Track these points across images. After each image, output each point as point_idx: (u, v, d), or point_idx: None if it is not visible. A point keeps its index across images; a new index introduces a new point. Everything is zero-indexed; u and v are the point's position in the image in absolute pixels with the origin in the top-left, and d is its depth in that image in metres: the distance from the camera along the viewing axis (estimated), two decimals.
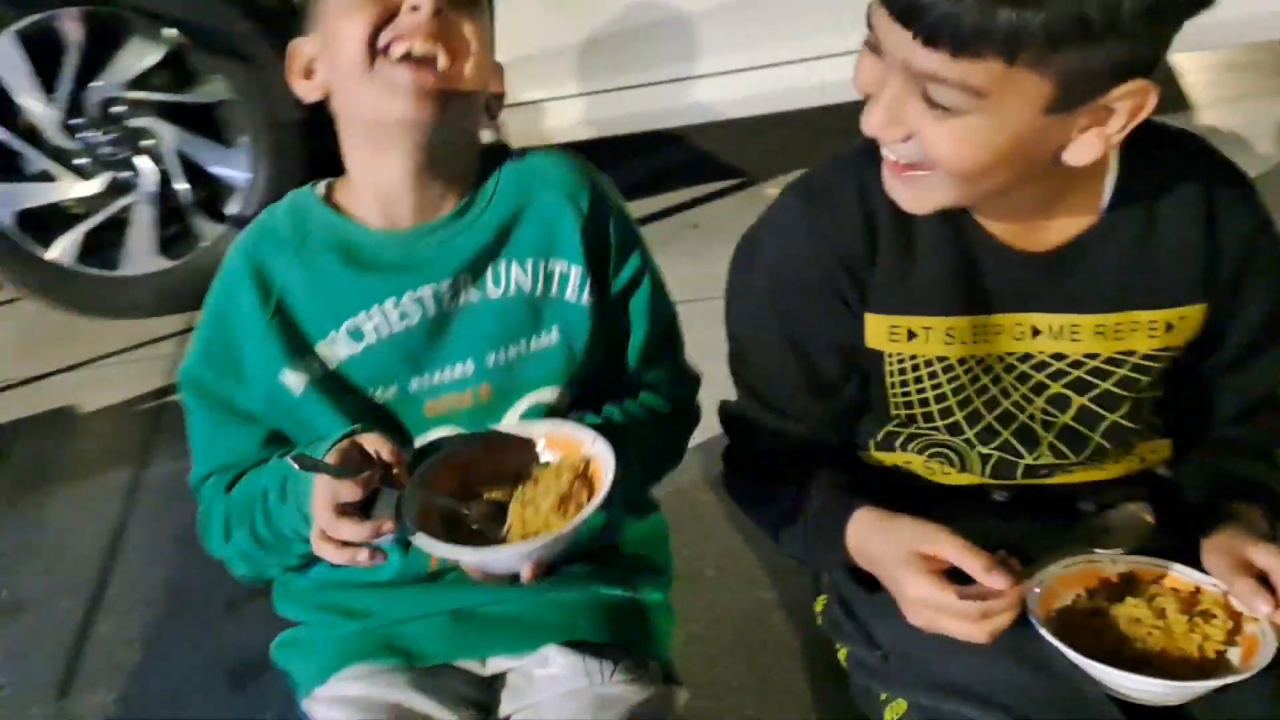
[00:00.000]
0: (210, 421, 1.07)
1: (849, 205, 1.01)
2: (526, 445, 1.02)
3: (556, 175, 1.07)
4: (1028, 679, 0.95)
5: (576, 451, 0.99)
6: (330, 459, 0.91)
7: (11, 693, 1.46)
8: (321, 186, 1.07)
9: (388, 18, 0.96)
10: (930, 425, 1.08)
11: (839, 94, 2.45)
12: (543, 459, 1.01)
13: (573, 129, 2.58)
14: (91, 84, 2.38)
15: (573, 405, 1.09)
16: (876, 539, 1.00)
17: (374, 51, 0.96)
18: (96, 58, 2.37)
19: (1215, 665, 0.93)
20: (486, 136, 1.09)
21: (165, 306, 2.53)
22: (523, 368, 1.06)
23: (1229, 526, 0.99)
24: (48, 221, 2.50)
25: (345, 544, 0.91)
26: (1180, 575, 1.00)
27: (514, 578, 0.96)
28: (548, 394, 1.07)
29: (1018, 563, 0.94)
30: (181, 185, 2.49)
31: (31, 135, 2.42)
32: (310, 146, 2.47)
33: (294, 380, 1.02)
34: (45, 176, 2.47)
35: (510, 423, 1.05)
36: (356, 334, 1.03)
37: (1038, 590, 0.98)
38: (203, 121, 2.49)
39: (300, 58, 1.03)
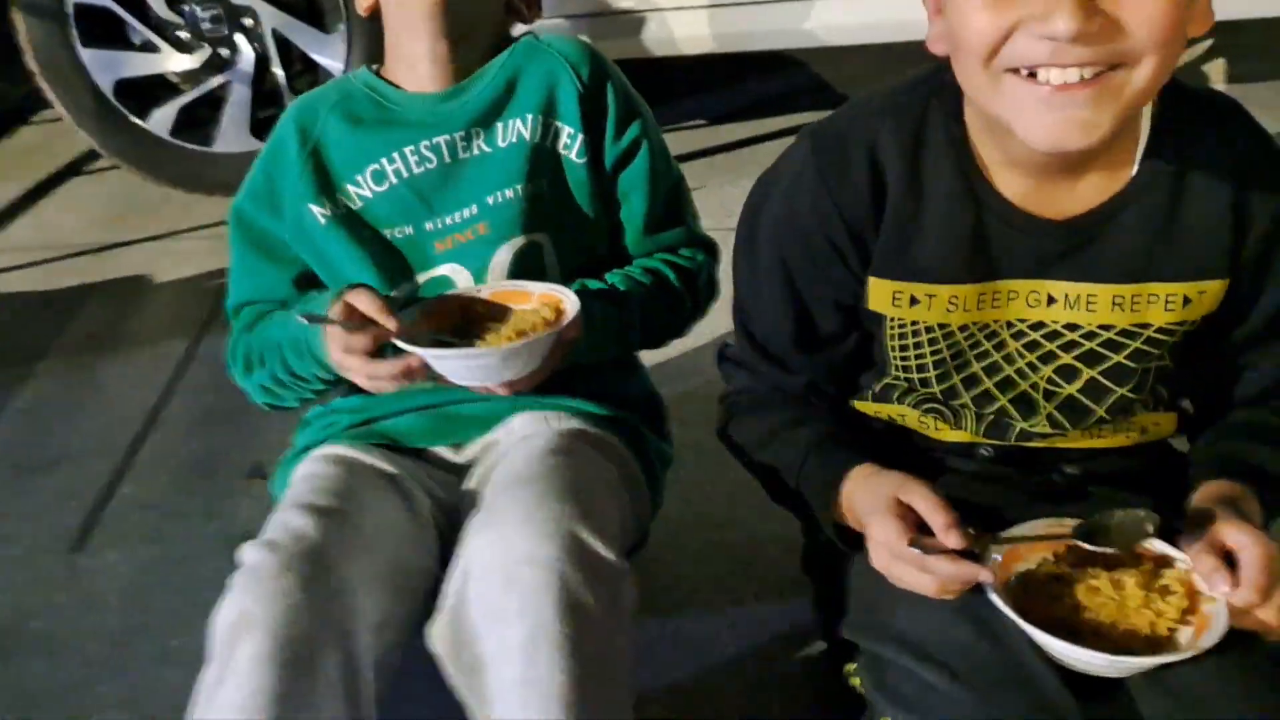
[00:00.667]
0: (248, 255, 1.23)
1: (859, 163, 0.99)
2: (517, 299, 1.12)
3: (560, 47, 1.20)
4: (972, 639, 0.94)
5: (552, 302, 1.10)
6: (332, 315, 1.03)
7: (26, 546, 1.50)
8: (373, 67, 1.24)
9: None
10: (926, 386, 1.06)
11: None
12: (530, 306, 1.12)
13: (694, 41, 2.52)
14: None
15: (570, 262, 1.20)
16: (863, 488, 0.99)
17: None
18: None
19: (1164, 642, 0.92)
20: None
21: None
22: (514, 208, 1.17)
23: (1214, 505, 0.95)
24: (146, 92, 2.56)
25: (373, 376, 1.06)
26: (1150, 546, 0.97)
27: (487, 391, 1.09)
28: (538, 237, 1.19)
29: (973, 536, 0.94)
30: (277, 68, 2.51)
31: (136, 6, 2.47)
32: None
33: (319, 212, 1.17)
34: (147, 47, 2.52)
35: (508, 282, 1.16)
36: (380, 176, 1.18)
37: (998, 557, 0.96)
38: (303, 5, 2.51)
39: None
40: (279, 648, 0.92)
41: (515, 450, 1.11)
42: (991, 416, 1.06)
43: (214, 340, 2.01)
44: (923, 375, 1.05)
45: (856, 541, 1.01)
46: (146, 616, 1.36)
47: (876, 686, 1.00)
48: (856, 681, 1.07)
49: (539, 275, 1.18)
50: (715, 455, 1.19)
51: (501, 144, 1.19)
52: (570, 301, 1.09)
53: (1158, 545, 0.96)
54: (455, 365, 1.05)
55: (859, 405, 1.11)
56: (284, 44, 2.51)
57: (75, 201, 2.76)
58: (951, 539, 0.91)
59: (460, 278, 1.19)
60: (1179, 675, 0.90)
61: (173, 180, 2.61)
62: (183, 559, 1.46)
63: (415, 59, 1.18)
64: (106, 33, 2.48)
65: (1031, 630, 0.90)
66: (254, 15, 2.48)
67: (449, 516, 1.14)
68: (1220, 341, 1.05)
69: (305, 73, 2.57)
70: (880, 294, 1.02)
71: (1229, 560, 0.91)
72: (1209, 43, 3.21)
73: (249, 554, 0.99)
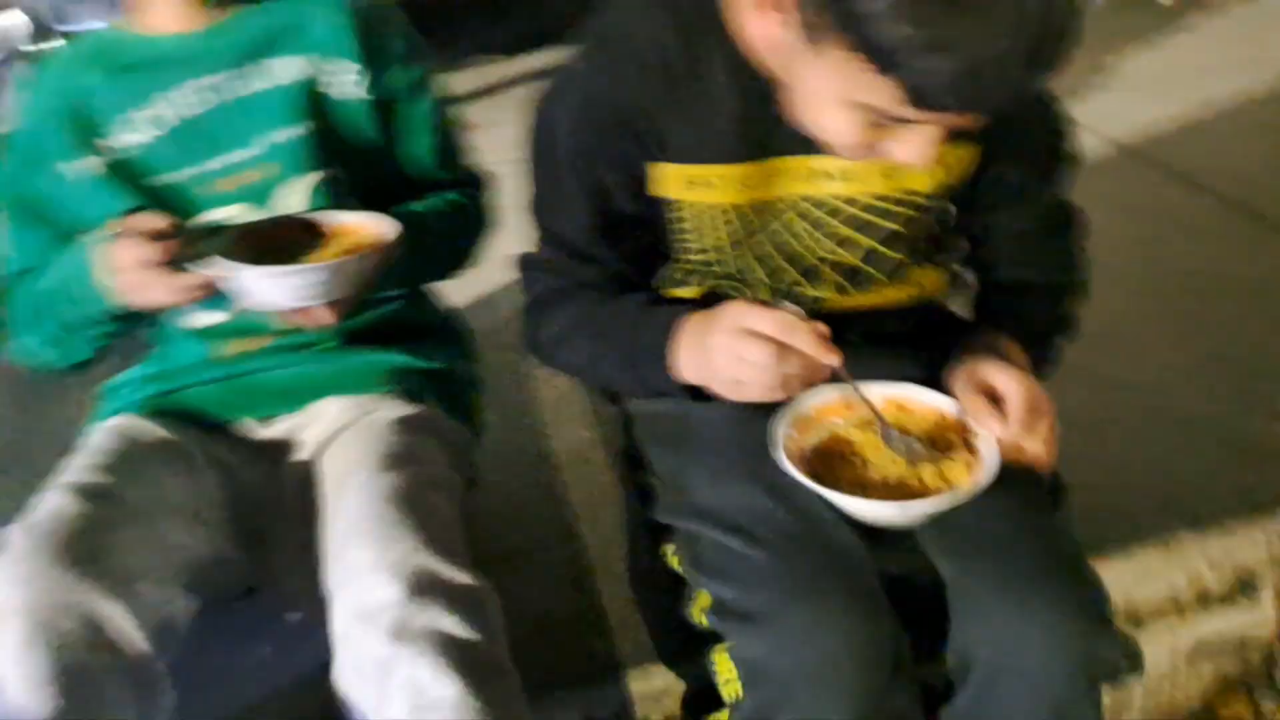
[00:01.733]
0: (18, 223, 1.18)
1: (643, 47, 1.03)
2: (327, 226, 1.13)
3: None
4: (770, 506, 1.01)
5: (368, 226, 1.11)
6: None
7: None
8: (114, 23, 1.21)
9: None
10: (722, 265, 1.11)
11: None
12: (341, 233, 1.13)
13: None
14: None
15: (360, 198, 1.19)
16: (704, 329, 1.00)
17: None
18: None
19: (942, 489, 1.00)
20: None
21: None
22: (305, 146, 1.17)
23: (980, 352, 1.04)
24: None
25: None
26: (923, 399, 1.05)
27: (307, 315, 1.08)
28: (331, 172, 1.18)
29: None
30: None
31: None
32: None
33: (86, 166, 1.14)
34: None
35: (320, 212, 1.15)
36: (156, 121, 1.15)
37: (792, 432, 1.02)
38: None
39: None
40: (40, 630, 0.91)
41: (337, 457, 1.11)
42: (783, 289, 1.12)
43: None
44: (718, 255, 1.10)
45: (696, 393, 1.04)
46: None
47: (692, 563, 1.06)
48: (675, 561, 1.11)
49: (338, 204, 1.19)
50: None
51: (282, 80, 1.18)
52: (391, 224, 1.10)
53: (939, 399, 1.04)
54: (279, 283, 1.03)
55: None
56: None
57: None
58: (829, 356, 0.94)
59: (250, 215, 1.18)
60: (959, 513, 0.97)
61: None
62: None
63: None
64: None
65: (824, 491, 0.96)
66: None
67: (249, 495, 1.15)
68: (978, 199, 1.12)
69: None
70: (674, 178, 1.06)
71: (996, 402, 0.99)
72: None
73: (6, 537, 0.98)
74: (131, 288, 1.05)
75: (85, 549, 0.97)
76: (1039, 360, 1.11)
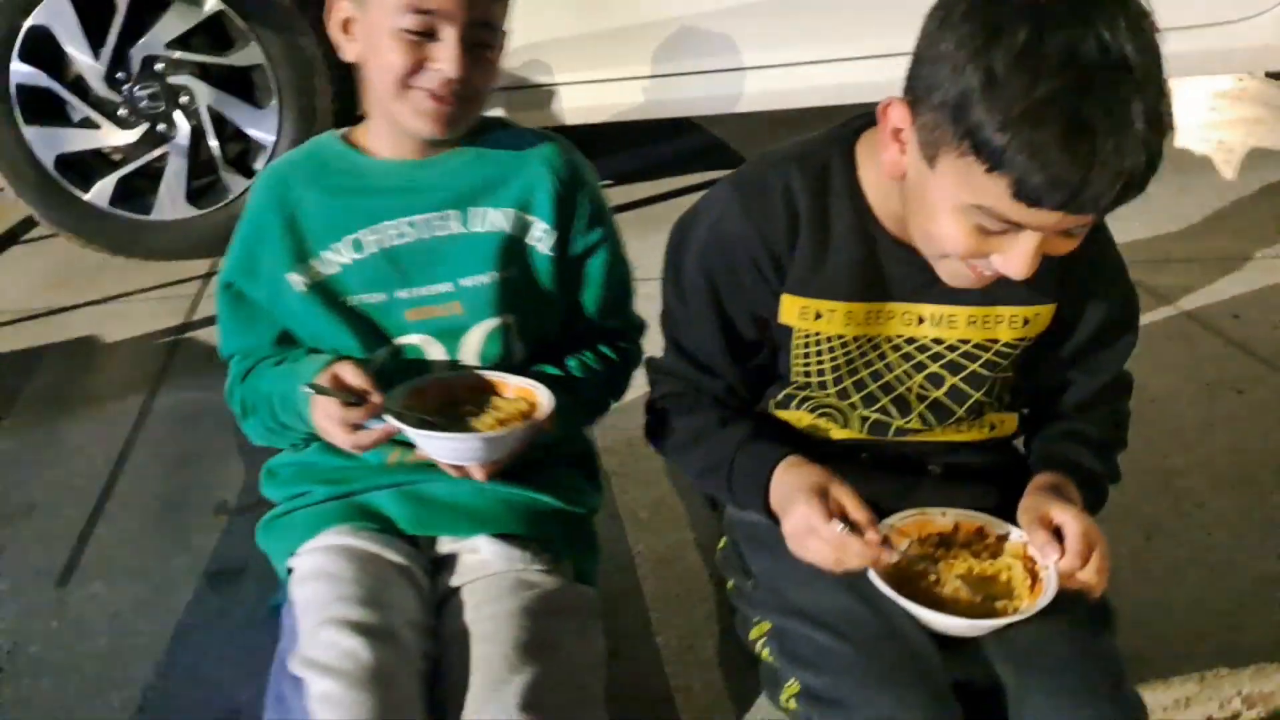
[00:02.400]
0: (232, 317, 1.33)
1: (776, 201, 1.19)
2: (494, 386, 1.27)
3: (544, 150, 1.29)
4: (857, 609, 1.14)
5: (528, 395, 1.24)
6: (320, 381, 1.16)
7: (13, 581, 1.63)
8: (340, 132, 1.30)
9: (422, 60, 1.16)
10: (824, 390, 1.26)
11: (850, 95, 2.67)
12: (506, 396, 1.26)
13: (586, 112, 2.76)
14: (137, 42, 2.56)
15: (530, 340, 1.31)
16: (792, 474, 1.19)
17: (406, 81, 1.17)
18: (142, 18, 2.56)
19: (1009, 607, 1.13)
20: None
21: (191, 252, 2.74)
22: (488, 293, 1.27)
23: (1045, 492, 1.18)
24: (86, 166, 2.71)
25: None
26: (995, 526, 1.19)
27: (462, 471, 1.21)
28: (508, 319, 1.29)
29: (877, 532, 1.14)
30: (212, 141, 2.67)
31: (78, 86, 2.62)
32: (334, 111, 2.66)
33: (296, 280, 1.25)
34: (87, 124, 2.66)
35: (488, 372, 1.28)
36: (357, 245, 1.25)
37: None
38: (236, 83, 2.68)
39: (339, 11, 1.22)
40: None
41: (480, 587, 1.23)
42: (874, 417, 1.27)
43: (169, 394, 2.16)
44: (821, 379, 1.26)
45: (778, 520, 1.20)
46: (136, 639, 1.50)
47: (783, 654, 1.20)
48: (765, 653, 1.25)
49: (506, 354, 1.29)
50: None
51: (479, 229, 1.26)
52: (545, 397, 1.22)
53: (998, 524, 1.19)
54: (443, 445, 1.17)
55: (760, 412, 1.32)
56: (218, 118, 2.67)
57: (16, 270, 2.88)
58: (870, 533, 1.12)
59: (432, 349, 1.29)
60: (1020, 630, 1.11)
61: (113, 248, 2.76)
62: (160, 587, 1.60)
63: (402, 128, 1.22)
64: (48, 110, 2.62)
65: (904, 602, 1.11)
66: (190, 93, 2.64)
67: (436, 595, 1.26)
68: (1051, 355, 1.27)
69: (237, 140, 2.74)
70: (791, 308, 1.22)
71: (1057, 535, 1.13)
72: None
73: (316, 683, 1.07)
74: (324, 434, 1.20)
75: (386, 689, 1.08)
76: (1090, 500, 1.24)
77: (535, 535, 1.28)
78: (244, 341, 1.34)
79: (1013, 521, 1.19)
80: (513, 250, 1.27)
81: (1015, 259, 1.03)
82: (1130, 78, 0.93)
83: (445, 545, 1.29)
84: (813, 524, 1.13)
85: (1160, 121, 0.95)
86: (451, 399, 1.24)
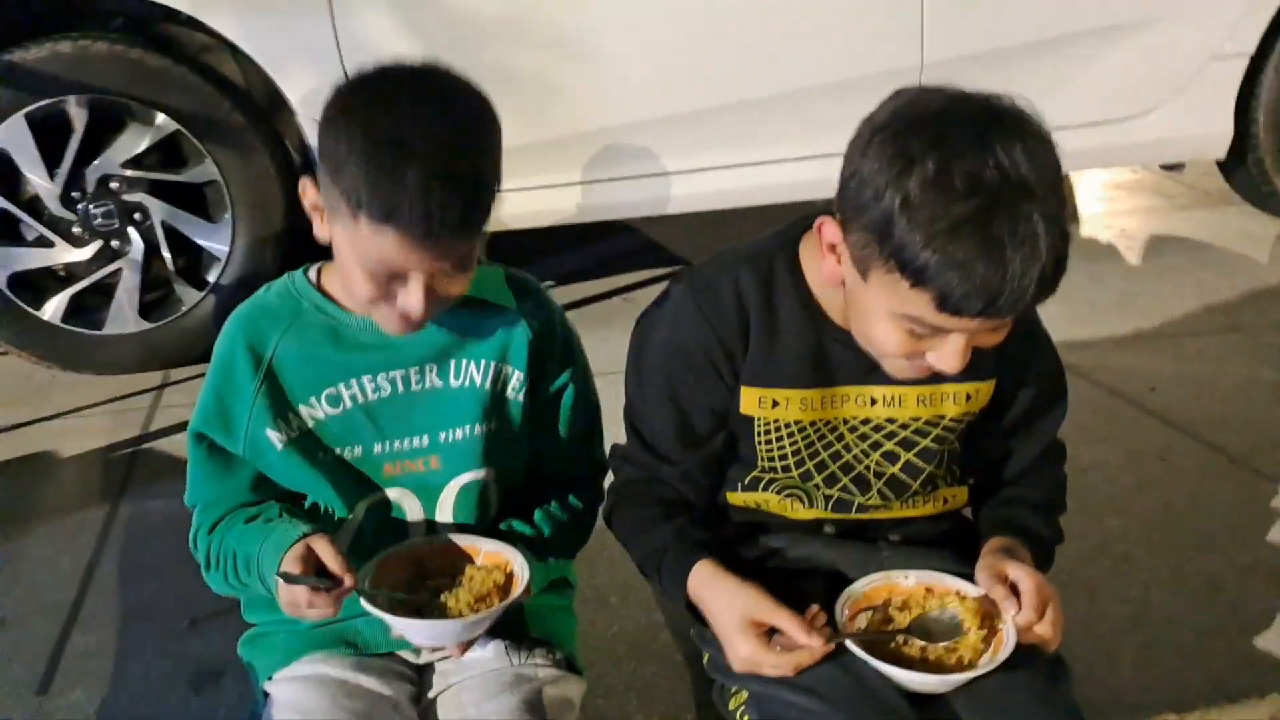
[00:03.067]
0: (202, 467, 1.27)
1: (728, 299, 1.27)
2: (465, 553, 1.26)
3: (520, 297, 1.30)
4: (831, 671, 1.20)
5: (502, 564, 1.23)
6: (289, 563, 1.14)
7: None
8: (313, 272, 1.27)
9: (391, 292, 1.14)
10: (787, 473, 1.34)
11: (781, 195, 2.84)
12: (478, 563, 1.25)
13: (526, 217, 2.88)
14: (92, 163, 2.62)
15: (504, 491, 1.33)
16: (711, 594, 1.24)
17: (375, 301, 1.16)
18: (97, 139, 2.62)
19: (971, 664, 1.20)
20: None
21: (143, 365, 2.76)
22: (467, 447, 1.28)
23: (998, 553, 1.27)
24: (38, 283, 2.73)
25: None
26: (951, 585, 1.27)
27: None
28: (488, 472, 1.30)
29: (824, 616, 1.21)
30: (166, 254, 2.72)
31: (32, 205, 2.66)
32: (286, 228, 2.73)
33: (275, 437, 1.23)
34: (41, 242, 2.69)
35: (460, 536, 1.28)
36: (335, 400, 1.24)
37: (848, 611, 1.24)
38: (190, 198, 2.73)
39: (309, 197, 1.18)
40: None
41: (477, 683, 1.26)
42: (836, 495, 1.35)
43: (132, 504, 2.17)
44: (784, 463, 1.33)
45: (703, 619, 1.27)
46: None
47: (763, 717, 1.25)
48: (745, 717, 1.29)
49: (483, 509, 1.31)
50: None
51: (455, 383, 1.26)
52: (520, 566, 1.21)
53: (964, 586, 1.26)
54: (419, 630, 1.18)
55: (730, 496, 1.39)
56: (172, 232, 2.72)
57: None
58: (814, 641, 1.16)
59: (409, 504, 1.28)
60: (984, 683, 1.18)
61: (66, 363, 2.77)
62: (142, 692, 1.62)
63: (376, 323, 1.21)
64: (2, 230, 2.65)
65: (877, 663, 1.17)
66: (144, 209, 2.69)
67: (417, 705, 1.29)
68: (993, 427, 1.37)
69: (190, 253, 2.78)
70: (750, 399, 1.29)
71: (1013, 592, 1.21)
72: None
73: None
74: (288, 612, 1.17)
75: None
76: (1039, 561, 1.31)
77: (522, 633, 1.32)
78: (215, 491, 1.28)
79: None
80: (491, 402, 1.28)
81: (947, 357, 1.13)
82: (1030, 195, 1.02)
83: (435, 655, 1.31)
84: (759, 660, 1.20)
85: (1063, 229, 1.05)
86: (421, 571, 1.24)
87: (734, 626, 1.21)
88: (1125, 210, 3.92)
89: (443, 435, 1.26)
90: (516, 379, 1.29)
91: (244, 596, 1.31)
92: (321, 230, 1.19)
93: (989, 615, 1.23)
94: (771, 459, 1.34)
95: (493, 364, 1.28)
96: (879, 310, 1.13)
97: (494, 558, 1.24)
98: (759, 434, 1.32)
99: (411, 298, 1.14)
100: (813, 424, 1.31)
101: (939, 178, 1.03)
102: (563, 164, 2.87)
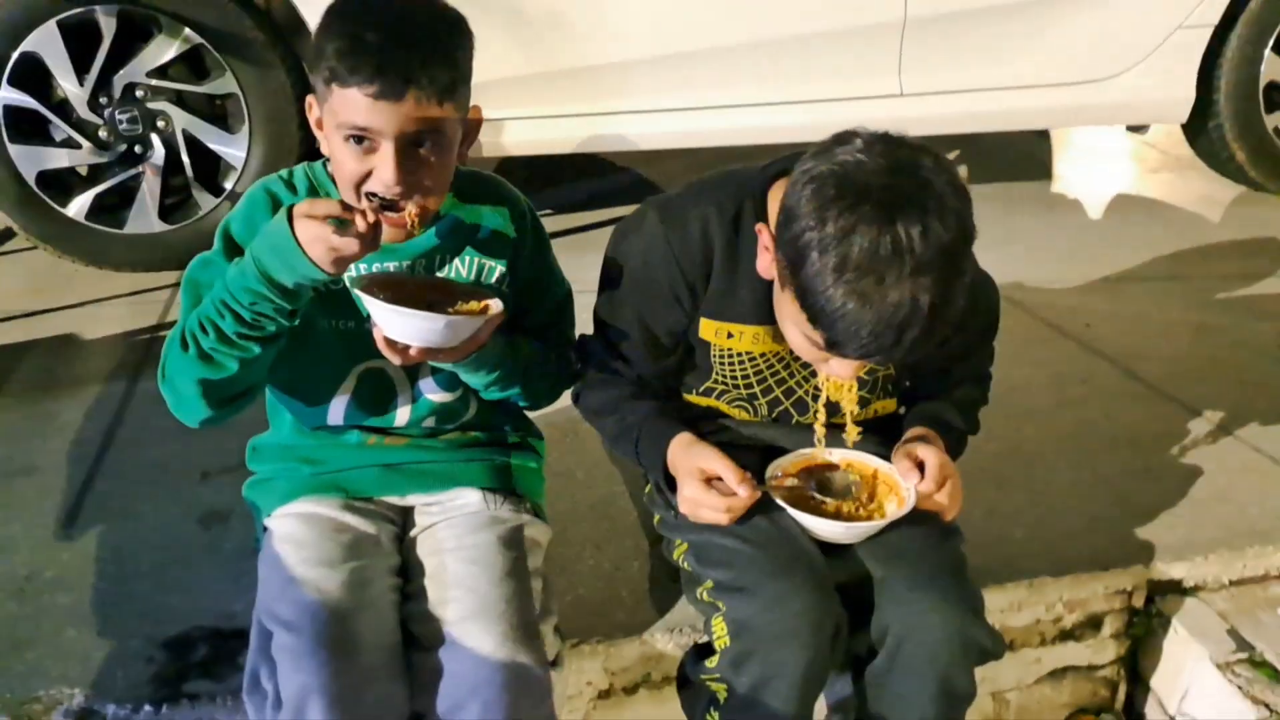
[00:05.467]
0: (200, 297, 1.35)
1: (695, 236, 1.43)
2: (455, 291, 1.38)
3: (499, 197, 1.46)
4: (758, 521, 1.44)
5: (480, 299, 1.37)
6: (300, 208, 1.21)
7: (23, 525, 1.85)
8: (331, 165, 1.37)
9: (369, 170, 1.26)
10: (736, 390, 1.54)
11: (774, 137, 3.03)
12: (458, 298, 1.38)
13: (528, 145, 3.08)
14: (119, 71, 2.81)
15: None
16: (681, 456, 1.45)
17: (358, 188, 1.28)
18: (125, 48, 2.81)
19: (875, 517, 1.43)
20: None
21: (161, 264, 2.96)
22: None
23: (914, 441, 1.47)
24: (65, 182, 2.93)
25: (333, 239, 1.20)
26: (869, 462, 1.49)
27: (404, 352, 1.29)
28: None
29: (754, 481, 1.41)
30: (186, 161, 2.91)
31: (61, 108, 2.85)
32: (300, 140, 2.93)
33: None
34: (69, 143, 2.87)
35: (439, 276, 1.41)
36: (334, 282, 1.32)
37: (779, 471, 1.46)
38: (210, 109, 2.94)
39: (313, 111, 1.32)
40: (333, 703, 1.22)
41: (458, 524, 1.45)
42: (778, 412, 1.55)
43: (149, 379, 2.34)
44: (734, 382, 1.53)
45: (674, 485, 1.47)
46: (138, 565, 1.73)
47: (698, 561, 1.48)
48: (684, 564, 1.53)
49: (464, 384, 1.46)
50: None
51: (440, 274, 1.42)
52: (496, 304, 1.34)
53: (881, 464, 1.47)
54: (408, 323, 1.24)
55: (685, 396, 1.59)
56: (192, 140, 2.91)
57: None
58: (742, 490, 1.38)
59: (397, 377, 1.45)
60: (886, 534, 1.41)
61: (86, 258, 2.96)
62: (157, 528, 1.84)
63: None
64: (32, 129, 2.84)
65: (792, 511, 1.39)
66: (167, 118, 2.88)
67: (399, 543, 1.46)
68: (926, 361, 1.52)
69: (208, 161, 2.97)
70: (708, 328, 1.48)
71: (920, 468, 1.42)
72: (956, 152, 4.03)
73: (279, 636, 1.26)
74: (308, 247, 1.20)
75: (346, 637, 1.26)
76: (951, 447, 1.51)
77: (498, 486, 1.52)
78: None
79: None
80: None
81: (838, 370, 1.32)
82: (918, 271, 1.15)
83: (419, 499, 1.50)
84: (699, 499, 1.41)
85: (947, 296, 1.18)
86: (407, 293, 1.30)
87: (686, 473, 1.42)
88: (1096, 171, 4.11)
89: None
90: (499, 273, 1.45)
91: (231, 365, 1.31)
92: (324, 144, 1.31)
93: (895, 488, 1.45)
94: (723, 377, 1.53)
95: (476, 258, 1.43)
96: (789, 318, 1.30)
97: (472, 293, 1.37)
98: (714, 356, 1.51)
99: (384, 164, 1.24)
100: (763, 355, 1.50)
101: (844, 243, 1.16)
102: (565, 96, 3.06)
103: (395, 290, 1.29)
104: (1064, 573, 1.71)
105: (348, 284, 1.35)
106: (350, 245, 1.20)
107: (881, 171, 1.19)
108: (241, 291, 1.26)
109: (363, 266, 1.38)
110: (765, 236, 1.32)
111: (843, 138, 1.24)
